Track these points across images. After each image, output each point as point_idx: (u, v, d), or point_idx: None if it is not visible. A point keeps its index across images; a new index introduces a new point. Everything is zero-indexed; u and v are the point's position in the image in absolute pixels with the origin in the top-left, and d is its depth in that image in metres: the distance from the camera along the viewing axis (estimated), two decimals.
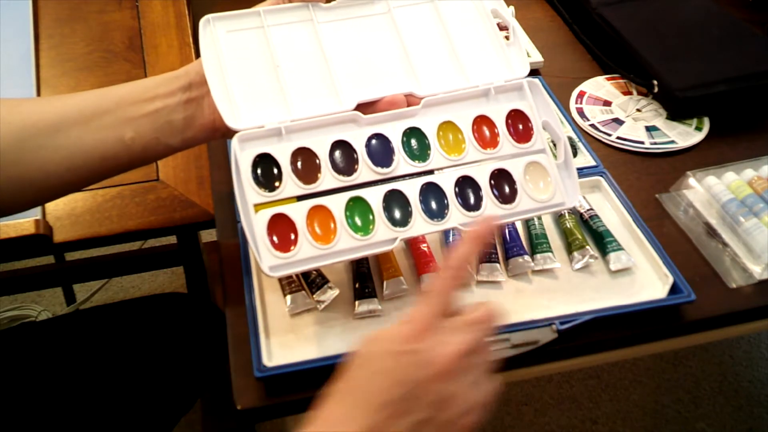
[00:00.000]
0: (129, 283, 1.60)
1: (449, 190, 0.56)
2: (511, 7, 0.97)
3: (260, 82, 0.56)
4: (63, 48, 0.89)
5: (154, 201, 0.79)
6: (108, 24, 0.92)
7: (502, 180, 0.57)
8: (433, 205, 0.55)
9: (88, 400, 0.72)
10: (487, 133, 0.58)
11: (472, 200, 0.56)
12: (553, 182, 0.57)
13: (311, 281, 0.62)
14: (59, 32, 0.90)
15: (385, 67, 0.59)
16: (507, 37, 0.61)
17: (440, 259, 0.65)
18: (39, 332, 0.81)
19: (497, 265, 0.64)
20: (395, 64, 0.59)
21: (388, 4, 0.60)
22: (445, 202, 0.55)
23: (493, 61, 0.60)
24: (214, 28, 0.57)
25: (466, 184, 0.56)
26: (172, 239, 1.25)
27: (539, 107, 0.59)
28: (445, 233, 0.67)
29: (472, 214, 0.55)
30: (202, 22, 0.57)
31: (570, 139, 0.77)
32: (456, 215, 0.55)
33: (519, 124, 0.58)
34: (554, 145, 0.60)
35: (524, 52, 0.60)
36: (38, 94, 0.84)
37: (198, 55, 0.90)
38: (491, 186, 0.56)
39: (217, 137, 0.58)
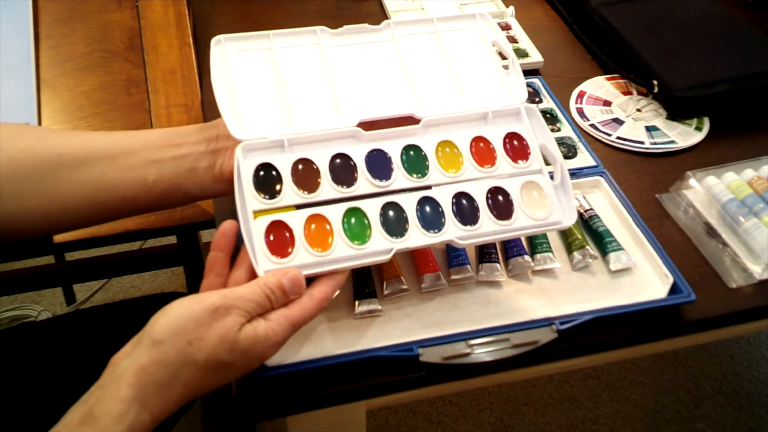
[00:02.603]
0: (129, 283, 1.60)
1: (446, 204, 0.57)
2: (511, 7, 0.98)
3: (266, 98, 0.58)
4: (63, 48, 0.89)
5: None
6: (108, 24, 0.92)
7: (498, 197, 0.58)
8: (430, 218, 0.56)
9: None
10: (485, 152, 0.59)
11: (468, 215, 0.56)
12: (549, 202, 0.58)
13: (311, 281, 0.62)
14: (59, 32, 0.90)
15: (387, 90, 0.60)
16: (506, 67, 0.63)
17: (440, 259, 0.65)
18: (39, 332, 0.81)
19: (497, 265, 0.64)
20: (397, 88, 0.61)
21: (392, 32, 0.63)
22: (441, 211, 0.56)
23: (492, 89, 0.62)
24: (224, 47, 0.59)
25: (463, 200, 0.57)
26: (172, 239, 1.25)
27: (536, 131, 0.60)
28: None
29: (468, 227, 0.56)
30: (213, 41, 0.59)
31: (570, 139, 0.78)
32: (452, 229, 0.56)
33: (516, 145, 0.60)
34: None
35: (522, 80, 0.62)
36: (38, 94, 0.84)
37: (198, 54, 0.91)
38: (488, 202, 0.57)
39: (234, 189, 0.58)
